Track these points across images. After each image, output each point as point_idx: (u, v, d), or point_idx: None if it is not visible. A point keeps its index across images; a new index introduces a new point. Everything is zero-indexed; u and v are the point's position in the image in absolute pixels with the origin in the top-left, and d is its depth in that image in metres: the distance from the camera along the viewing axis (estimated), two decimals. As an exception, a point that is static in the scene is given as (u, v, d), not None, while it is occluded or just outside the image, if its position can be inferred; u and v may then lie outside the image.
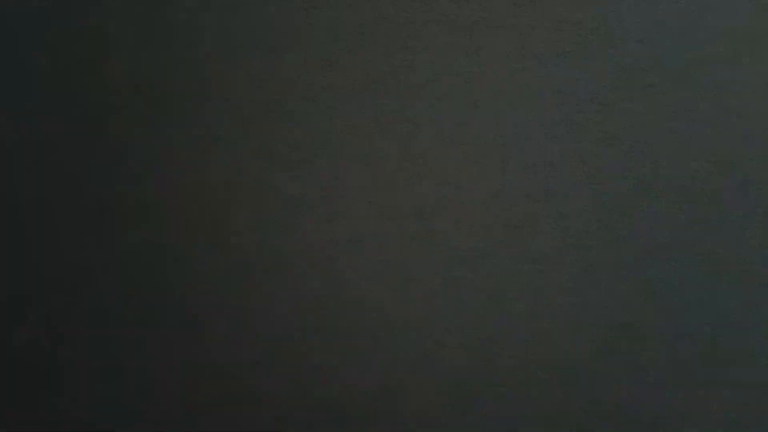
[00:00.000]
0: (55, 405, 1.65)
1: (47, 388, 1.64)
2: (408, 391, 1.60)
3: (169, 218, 1.63)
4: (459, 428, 1.59)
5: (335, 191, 1.60)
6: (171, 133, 1.63)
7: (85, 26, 1.63)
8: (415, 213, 1.60)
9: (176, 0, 1.62)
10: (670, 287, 1.56)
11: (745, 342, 1.54)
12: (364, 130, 1.60)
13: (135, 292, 1.64)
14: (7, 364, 1.65)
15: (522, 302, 1.58)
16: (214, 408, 1.63)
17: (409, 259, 1.60)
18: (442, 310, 1.59)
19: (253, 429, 1.62)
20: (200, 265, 1.62)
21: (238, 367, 1.62)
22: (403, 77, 1.60)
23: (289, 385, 1.62)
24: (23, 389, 1.65)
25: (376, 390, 1.60)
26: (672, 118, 1.56)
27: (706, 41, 1.55)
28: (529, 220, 1.58)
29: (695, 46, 1.55)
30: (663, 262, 1.56)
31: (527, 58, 1.57)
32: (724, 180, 1.56)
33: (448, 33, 1.59)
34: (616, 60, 1.56)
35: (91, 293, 1.64)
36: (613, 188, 1.57)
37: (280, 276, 1.61)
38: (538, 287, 1.57)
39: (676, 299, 1.55)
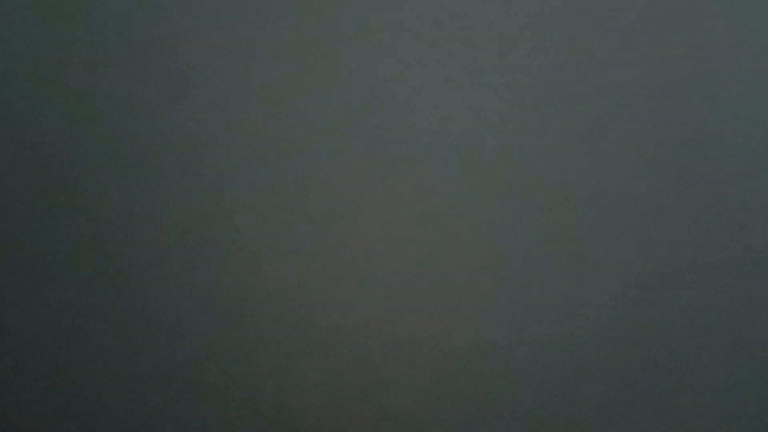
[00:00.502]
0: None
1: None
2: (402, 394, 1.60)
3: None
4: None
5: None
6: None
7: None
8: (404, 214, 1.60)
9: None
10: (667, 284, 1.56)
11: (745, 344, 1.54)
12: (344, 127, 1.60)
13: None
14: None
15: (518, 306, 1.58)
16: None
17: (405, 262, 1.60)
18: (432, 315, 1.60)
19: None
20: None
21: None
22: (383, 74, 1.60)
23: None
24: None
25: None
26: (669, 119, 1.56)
27: (702, 39, 1.55)
28: (523, 219, 1.58)
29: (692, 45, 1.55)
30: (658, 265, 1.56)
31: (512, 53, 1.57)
32: (721, 180, 1.56)
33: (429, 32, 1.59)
34: (608, 55, 1.56)
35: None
36: (610, 185, 1.56)
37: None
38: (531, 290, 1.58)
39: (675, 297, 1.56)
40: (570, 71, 1.56)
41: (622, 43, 1.55)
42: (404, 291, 1.60)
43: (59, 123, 1.65)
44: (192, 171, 1.63)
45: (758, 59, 1.53)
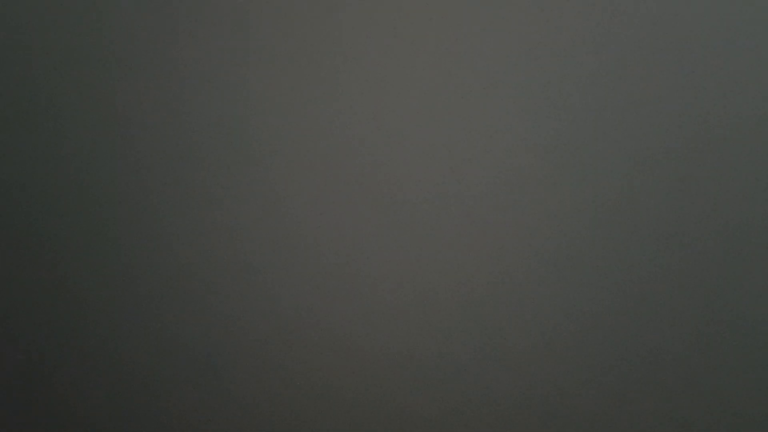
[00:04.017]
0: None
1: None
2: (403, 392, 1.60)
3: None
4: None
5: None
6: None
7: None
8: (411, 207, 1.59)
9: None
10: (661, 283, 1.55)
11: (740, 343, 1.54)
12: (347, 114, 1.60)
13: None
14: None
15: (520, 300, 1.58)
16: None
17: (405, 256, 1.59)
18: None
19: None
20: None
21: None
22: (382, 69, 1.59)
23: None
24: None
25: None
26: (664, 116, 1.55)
27: (704, 37, 1.55)
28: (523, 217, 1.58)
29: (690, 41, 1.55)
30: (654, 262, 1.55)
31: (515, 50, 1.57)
32: (719, 177, 1.55)
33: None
34: (608, 55, 1.56)
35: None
36: (606, 184, 1.56)
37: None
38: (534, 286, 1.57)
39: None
40: (570, 74, 1.56)
41: (623, 45, 1.55)
42: (405, 294, 1.60)
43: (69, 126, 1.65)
44: (192, 163, 1.63)
45: (759, 60, 1.53)
